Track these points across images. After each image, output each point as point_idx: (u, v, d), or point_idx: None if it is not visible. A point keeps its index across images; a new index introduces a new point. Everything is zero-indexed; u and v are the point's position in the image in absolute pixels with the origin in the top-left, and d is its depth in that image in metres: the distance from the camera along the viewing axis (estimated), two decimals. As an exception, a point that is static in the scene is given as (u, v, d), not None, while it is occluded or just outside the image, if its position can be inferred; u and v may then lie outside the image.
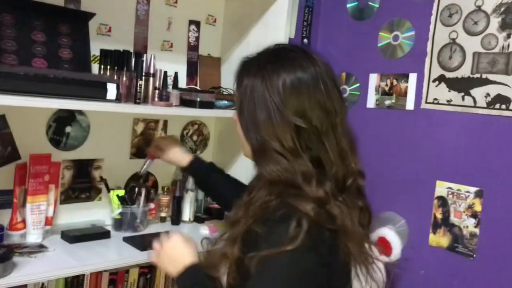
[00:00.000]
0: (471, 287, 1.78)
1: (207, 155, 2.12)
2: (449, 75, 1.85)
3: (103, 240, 1.64)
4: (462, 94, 1.81)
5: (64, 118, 1.69)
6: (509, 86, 1.70)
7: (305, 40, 2.30)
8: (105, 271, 1.72)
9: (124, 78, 1.60)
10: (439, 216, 1.88)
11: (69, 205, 1.74)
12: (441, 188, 1.87)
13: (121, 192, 1.76)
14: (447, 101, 1.86)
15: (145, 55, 1.67)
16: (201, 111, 1.77)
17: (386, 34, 2.07)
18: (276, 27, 1.86)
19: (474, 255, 1.77)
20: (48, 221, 1.60)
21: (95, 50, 1.67)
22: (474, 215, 1.78)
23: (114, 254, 1.57)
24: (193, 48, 2.06)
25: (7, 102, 1.25)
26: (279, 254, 0.90)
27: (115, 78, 1.59)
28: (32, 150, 1.57)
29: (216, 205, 2.04)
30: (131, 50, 1.77)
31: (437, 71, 1.89)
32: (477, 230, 1.77)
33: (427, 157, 1.92)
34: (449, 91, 1.85)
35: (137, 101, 1.59)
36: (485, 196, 1.75)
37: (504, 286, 1.70)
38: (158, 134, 1.96)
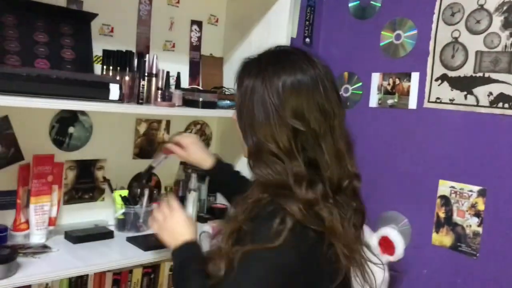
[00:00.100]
0: (475, 286, 1.78)
1: (210, 155, 2.12)
2: (451, 74, 1.85)
3: (106, 240, 1.64)
4: (465, 93, 1.81)
5: (66, 119, 1.69)
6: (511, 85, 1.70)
7: (307, 40, 2.30)
8: (108, 271, 1.72)
9: (127, 79, 1.60)
10: (442, 215, 1.88)
11: (72, 206, 1.74)
12: (444, 187, 1.87)
13: (124, 192, 1.77)
14: (450, 100, 1.86)
15: (147, 55, 1.67)
16: (204, 111, 1.77)
17: (388, 33, 2.07)
18: (278, 26, 1.86)
19: (478, 254, 1.77)
20: (52, 222, 1.60)
21: (97, 51, 1.67)
22: (477, 214, 1.78)
23: (118, 254, 1.57)
24: (195, 48, 2.06)
25: (10, 103, 1.25)
26: (261, 250, 0.93)
27: (117, 78, 1.59)
28: (35, 151, 1.57)
29: (219, 205, 2.04)
30: (134, 50, 1.77)
31: (439, 70, 1.89)
32: (480, 229, 1.77)
33: (430, 156, 1.92)
34: (452, 90, 1.85)
35: (140, 101, 1.59)
36: (488, 195, 1.75)
37: (508, 285, 1.70)
38: (161, 134, 1.97)
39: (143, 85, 1.60)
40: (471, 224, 1.79)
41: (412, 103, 1.98)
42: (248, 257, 0.94)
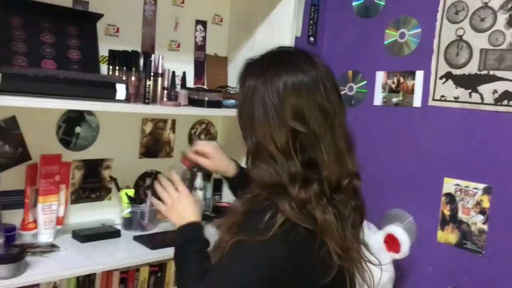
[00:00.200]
0: (480, 283, 1.79)
1: (215, 154, 2.13)
2: (456, 72, 1.86)
3: (113, 239, 1.65)
4: (470, 91, 1.82)
5: (73, 119, 1.70)
6: (516, 82, 1.70)
7: (311, 39, 2.30)
8: (116, 270, 1.73)
9: (133, 79, 1.61)
10: (447, 213, 1.89)
11: (80, 205, 1.75)
12: (449, 185, 1.88)
13: (131, 192, 1.78)
14: (454, 98, 1.86)
15: (153, 55, 1.68)
16: (210, 110, 1.78)
17: (393, 31, 2.08)
18: (282, 25, 1.87)
19: (483, 252, 1.78)
20: (59, 221, 1.61)
21: (103, 51, 1.68)
22: (482, 211, 1.78)
23: (125, 253, 1.58)
24: (200, 47, 2.07)
25: (18, 103, 1.26)
26: (251, 241, 0.97)
27: (123, 78, 1.60)
28: (43, 151, 1.59)
29: (224, 204, 2.05)
30: (139, 50, 1.78)
31: (444, 68, 1.89)
32: (485, 227, 1.77)
33: (435, 154, 1.92)
34: (456, 88, 1.85)
35: (146, 101, 1.60)
36: (494, 193, 1.76)
37: (513, 282, 1.71)
38: (167, 134, 1.98)
39: (149, 85, 1.61)
40: (476, 221, 1.80)
41: (417, 101, 1.98)
42: (238, 247, 0.98)
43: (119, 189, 1.79)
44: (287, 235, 0.96)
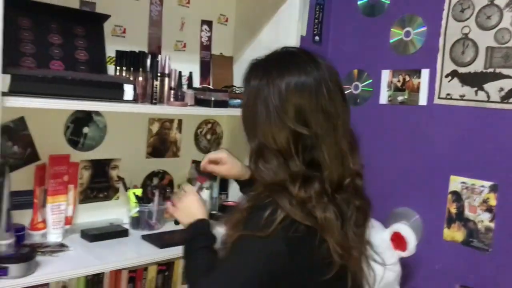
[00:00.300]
0: (488, 281, 1.79)
1: (221, 153, 2.14)
2: (461, 70, 1.86)
3: (121, 239, 1.66)
4: (475, 89, 1.82)
5: (81, 119, 1.71)
6: (523, 80, 1.70)
7: (317, 38, 2.31)
8: (124, 269, 1.75)
9: (140, 79, 1.62)
10: (453, 211, 1.89)
11: (88, 205, 1.76)
12: (455, 183, 1.88)
13: (138, 191, 1.79)
14: (460, 96, 1.86)
15: (159, 55, 1.69)
16: (216, 110, 1.79)
17: (398, 30, 2.08)
18: (288, 25, 1.87)
19: (490, 249, 1.78)
20: (68, 221, 1.62)
21: (109, 52, 1.69)
22: (489, 209, 1.78)
23: (133, 252, 1.59)
24: (205, 47, 2.07)
25: (27, 104, 1.27)
26: (251, 237, 0.99)
27: (131, 79, 1.61)
28: (51, 151, 1.60)
29: (230, 203, 2.06)
30: (145, 50, 1.79)
31: (449, 67, 1.89)
32: (492, 225, 1.78)
33: (441, 153, 1.93)
34: (462, 86, 1.85)
35: (154, 101, 1.61)
36: (500, 190, 1.76)
37: (520, 280, 1.71)
38: (173, 134, 1.99)
39: (156, 85, 1.62)
40: (483, 219, 1.80)
41: (422, 100, 1.98)
42: (239, 243, 1.01)
43: (126, 188, 1.80)
44: (287, 231, 0.98)
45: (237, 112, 1.79)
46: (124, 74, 1.62)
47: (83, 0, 1.68)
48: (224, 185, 2.09)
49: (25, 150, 1.59)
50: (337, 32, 2.33)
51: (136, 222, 1.76)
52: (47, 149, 1.61)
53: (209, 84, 2.07)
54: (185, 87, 1.83)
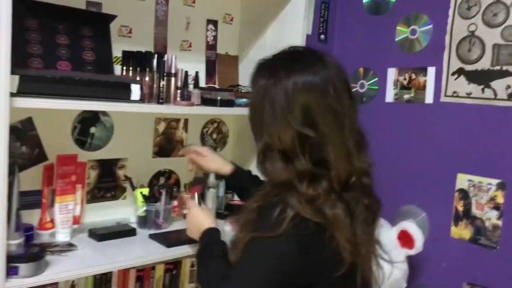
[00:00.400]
0: (495, 278, 1.78)
1: (226, 153, 2.14)
2: (468, 68, 1.85)
3: (129, 238, 1.66)
4: (482, 86, 1.81)
5: (88, 119, 1.72)
6: (530, 77, 1.69)
7: (322, 36, 2.30)
8: (132, 268, 1.75)
9: (147, 79, 1.62)
10: (460, 208, 1.88)
11: (95, 204, 1.77)
12: (462, 181, 1.88)
13: (145, 190, 1.79)
14: (467, 94, 1.86)
15: (166, 55, 1.70)
16: (222, 109, 1.79)
17: (403, 28, 2.07)
18: (293, 24, 1.87)
19: (498, 247, 1.78)
20: (76, 220, 1.63)
21: (116, 52, 1.70)
22: (496, 207, 1.78)
23: (141, 251, 1.60)
24: (211, 47, 2.08)
25: (35, 105, 1.28)
26: (262, 238, 0.99)
27: (137, 79, 1.61)
28: (59, 151, 1.60)
29: (237, 202, 2.06)
30: (151, 50, 1.80)
31: (456, 64, 1.89)
32: (499, 222, 1.77)
33: (448, 150, 1.92)
34: (469, 84, 1.85)
35: (160, 101, 1.62)
36: (508, 188, 1.75)
37: (528, 278, 1.70)
38: (180, 133, 1.99)
39: (162, 85, 1.63)
40: (491, 217, 1.79)
41: (429, 98, 1.98)
42: (251, 244, 1.02)
43: (133, 188, 1.81)
44: (297, 229, 0.99)
45: (243, 111, 1.80)
46: (130, 74, 1.63)
47: (90, 1, 1.69)
48: (230, 184, 2.09)
49: (33, 151, 1.60)
50: (343, 31, 2.33)
51: (143, 221, 1.77)
52: (54, 149, 1.62)
53: (215, 84, 2.07)
54: (191, 87, 1.83)
